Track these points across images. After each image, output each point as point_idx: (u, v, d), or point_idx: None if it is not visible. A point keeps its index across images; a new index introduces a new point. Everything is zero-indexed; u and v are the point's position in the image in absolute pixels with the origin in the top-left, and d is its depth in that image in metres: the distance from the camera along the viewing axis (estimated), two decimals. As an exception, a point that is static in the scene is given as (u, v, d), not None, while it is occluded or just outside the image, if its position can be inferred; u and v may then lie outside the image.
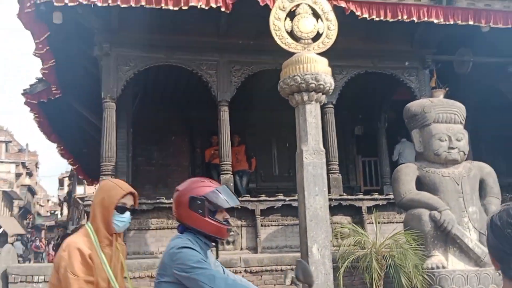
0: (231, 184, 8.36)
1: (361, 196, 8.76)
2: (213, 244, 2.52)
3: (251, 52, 8.80)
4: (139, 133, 10.54)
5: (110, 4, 7.26)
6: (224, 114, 8.55)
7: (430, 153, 6.47)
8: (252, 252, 7.97)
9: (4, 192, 41.38)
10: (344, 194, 8.72)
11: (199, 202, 2.40)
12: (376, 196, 8.70)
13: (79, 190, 37.43)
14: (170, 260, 2.32)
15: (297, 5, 6.43)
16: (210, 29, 8.66)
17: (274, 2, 7.40)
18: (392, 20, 8.25)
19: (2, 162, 44.80)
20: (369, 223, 8.22)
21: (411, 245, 6.04)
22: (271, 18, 6.32)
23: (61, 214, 57.72)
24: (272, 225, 8.17)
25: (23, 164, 49.57)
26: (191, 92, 10.79)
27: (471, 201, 6.23)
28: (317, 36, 6.38)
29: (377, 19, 8.25)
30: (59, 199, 57.79)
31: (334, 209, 8.19)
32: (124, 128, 9.30)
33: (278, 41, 6.34)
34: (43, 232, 53.10)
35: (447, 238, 6.08)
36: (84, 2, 7.09)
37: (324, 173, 6.14)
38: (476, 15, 8.44)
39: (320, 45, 6.44)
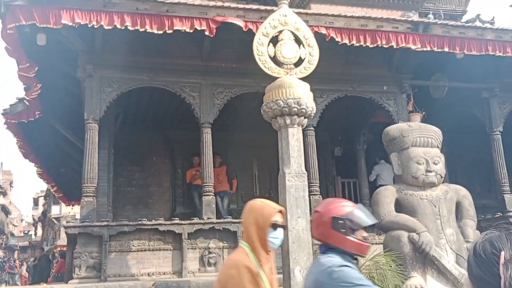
0: (213, 206, 8.41)
1: (341, 218, 8.87)
2: (355, 261, 2.60)
3: (234, 75, 8.95)
4: (120, 153, 10.54)
5: (95, 26, 7.35)
6: (207, 136, 8.63)
7: (408, 176, 6.63)
8: (233, 273, 7.99)
9: (-23, 212, 40.41)
10: (324, 215, 8.82)
11: (341, 221, 2.49)
12: (355, 217, 8.82)
13: (55, 210, 36.85)
14: (330, 278, 2.36)
15: (280, 32, 6.57)
16: (194, 52, 8.80)
17: (257, 28, 7.59)
18: (371, 45, 8.51)
19: (-25, 181, 43.81)
20: (349, 244, 8.33)
21: (391, 267, 6.15)
22: (255, 44, 6.45)
23: (35, 234, 56.51)
24: (253, 247, 8.21)
25: (-3, 183, 48.53)
26: (173, 113, 10.87)
27: (448, 223, 6.40)
28: (299, 62, 6.54)
29: (357, 44, 8.50)
30: (34, 219, 56.65)
31: (315, 231, 8.28)
32: (105, 148, 9.30)
33: (262, 66, 6.46)
34: (16, 252, 51.87)
35: (425, 260, 6.22)
36: (69, 24, 7.16)
37: (306, 195, 6.24)
38: (451, 42, 8.76)
39: (302, 70, 6.59)
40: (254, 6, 8.31)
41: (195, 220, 8.20)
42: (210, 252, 7.97)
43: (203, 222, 8.07)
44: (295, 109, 6.27)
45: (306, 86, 6.45)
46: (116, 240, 7.62)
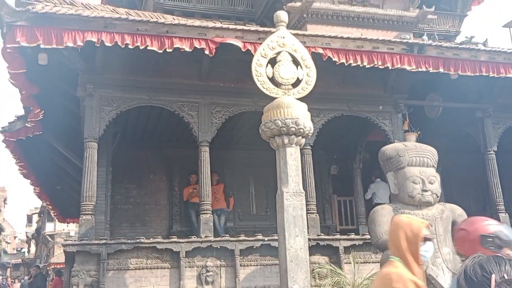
0: (211, 224, 8.46)
1: (338, 236, 8.94)
2: None
3: (232, 94, 9.07)
4: (118, 171, 10.57)
5: (96, 44, 7.45)
6: (205, 155, 8.70)
7: (404, 195, 6.71)
8: (231, 292, 8.01)
9: (-30, 229, 40.09)
10: (321, 234, 8.89)
11: (490, 239, 2.56)
12: (352, 236, 8.89)
13: (49, 227, 36.60)
14: None
15: (278, 53, 6.70)
16: (192, 72, 8.92)
17: (255, 48, 7.73)
18: (368, 66, 8.66)
19: (-31, 197, 43.52)
20: (346, 263, 8.38)
21: (388, 285, 6.19)
22: (253, 65, 6.57)
23: (28, 251, 56.02)
24: (251, 265, 8.24)
25: (-10, 200, 48.23)
26: (170, 131, 10.95)
27: (445, 242, 6.46)
28: (297, 82, 6.66)
29: (354, 64, 8.65)
30: (27, 236, 56.20)
31: (312, 249, 8.31)
32: (103, 166, 9.34)
33: (260, 86, 6.57)
34: (8, 270, 51.34)
35: (422, 279, 6.27)
36: (71, 45, 7.27)
37: (304, 214, 6.31)
38: (446, 64, 8.92)
39: (299, 90, 6.70)
40: (253, 28, 8.47)
41: (193, 238, 8.23)
42: (207, 271, 7.99)
43: (201, 241, 8.10)
44: (293, 129, 6.37)
45: (303, 106, 6.57)
46: (114, 258, 7.63)
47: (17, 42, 7.04)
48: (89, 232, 7.65)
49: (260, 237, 8.45)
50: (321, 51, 8.33)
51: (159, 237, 8.54)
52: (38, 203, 36.73)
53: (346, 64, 8.64)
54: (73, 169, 11.79)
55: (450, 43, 9.95)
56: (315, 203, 9.04)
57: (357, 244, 8.69)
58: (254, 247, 8.31)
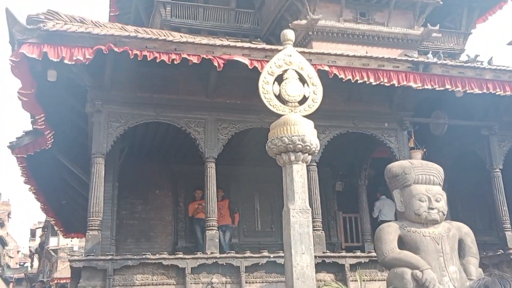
0: (216, 240, 8.46)
1: (344, 254, 8.92)
2: None
3: (238, 111, 9.14)
4: (124, 186, 10.61)
5: (104, 51, 7.51)
6: (211, 171, 8.74)
7: (411, 213, 6.71)
8: (236, 309, 7.99)
9: (-26, 243, 40.09)
10: (327, 251, 8.87)
11: None
12: (358, 253, 8.87)
13: (53, 241, 36.54)
14: None
15: (285, 71, 6.77)
16: (199, 88, 9.01)
17: (262, 65, 7.82)
18: (374, 83, 8.73)
19: (-27, 212, 43.61)
20: (352, 280, 8.35)
21: (395, 304, 6.17)
22: (260, 82, 6.63)
23: (31, 266, 55.84)
24: (256, 282, 8.22)
25: (-5, 214, 48.29)
26: (177, 147, 11.01)
27: (451, 261, 6.44)
28: (303, 100, 6.71)
29: (360, 81, 8.72)
30: (30, 251, 56.08)
31: (318, 266, 8.28)
32: (110, 182, 9.39)
33: (267, 104, 6.62)
34: (11, 285, 51.15)
35: (428, 297, 6.24)
36: (80, 58, 7.35)
37: (310, 231, 6.31)
38: (451, 82, 8.98)
39: (306, 108, 6.75)
40: (259, 46, 8.57)
41: (199, 254, 8.23)
42: (213, 287, 7.97)
43: (207, 257, 8.10)
44: (300, 146, 6.40)
45: (310, 123, 6.61)
46: (120, 274, 7.64)
47: (26, 56, 7.14)
48: (95, 248, 7.67)
49: (265, 253, 8.44)
50: (327, 68, 8.40)
51: (164, 253, 8.55)
52: (42, 217, 36.81)
53: (352, 81, 8.71)
54: (79, 184, 11.84)
55: (455, 61, 10.01)
56: (320, 220, 9.04)
57: (363, 261, 8.67)
58: (260, 264, 8.30)
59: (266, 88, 6.69)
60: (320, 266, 8.42)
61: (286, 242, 6.33)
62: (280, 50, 6.87)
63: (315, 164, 9.23)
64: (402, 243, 6.66)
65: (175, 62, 7.86)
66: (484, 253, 9.79)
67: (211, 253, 8.19)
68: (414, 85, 8.95)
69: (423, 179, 6.86)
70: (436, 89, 8.98)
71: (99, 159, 8.19)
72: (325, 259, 8.51)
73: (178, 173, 11.68)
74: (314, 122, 6.63)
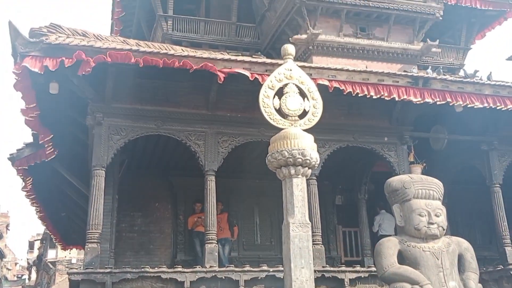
0: (215, 254, 8.43)
1: (343, 268, 8.89)
2: None
3: (239, 124, 9.18)
4: (123, 199, 10.61)
5: (107, 60, 7.53)
6: (211, 184, 8.75)
7: (411, 227, 6.69)
8: (235, 323, 7.94)
9: (-29, 255, 39.91)
10: (327, 265, 8.84)
11: None
12: (358, 268, 8.84)
13: (51, 254, 36.36)
14: None
15: (285, 85, 6.80)
16: (200, 101, 9.06)
17: (262, 78, 7.87)
18: (375, 97, 8.78)
19: (-28, 223, 43.46)
20: (351, 295, 8.32)
21: (394, 319, 6.12)
22: (261, 96, 6.65)
23: (29, 278, 55.52)
24: (255, 296, 8.19)
25: (-7, 225, 48.12)
26: (177, 159, 11.03)
27: (451, 276, 6.41)
28: (304, 114, 6.74)
29: (361, 94, 8.76)
30: (28, 263, 55.80)
31: (317, 281, 8.24)
32: (110, 194, 9.39)
33: (267, 117, 6.64)
34: (8, 297, 50.79)
35: (428, 313, 6.20)
36: (83, 69, 7.41)
37: (310, 245, 6.29)
38: (451, 97, 9.03)
39: (306, 122, 6.77)
40: (260, 60, 8.63)
41: (198, 268, 8.20)
42: (211, 302, 7.94)
43: (206, 271, 8.07)
44: (300, 159, 6.41)
45: (310, 137, 6.63)
46: (119, 288, 7.61)
47: (23, 66, 7.17)
48: (94, 261, 7.65)
49: (265, 268, 8.41)
50: (327, 82, 8.46)
51: (163, 266, 8.52)
52: (41, 229, 36.69)
53: (353, 94, 8.75)
54: (78, 196, 11.84)
55: (454, 77, 10.08)
56: (320, 234, 9.03)
57: (362, 276, 8.63)
58: (259, 278, 8.27)
59: (267, 102, 6.71)
60: (320, 280, 8.39)
61: (285, 256, 6.31)
62: (281, 64, 6.91)
63: (315, 178, 9.25)
64: (402, 258, 6.64)
65: (176, 66, 7.84)
66: (484, 269, 9.76)
67: (210, 266, 8.17)
68: (414, 100, 9.01)
69: (423, 193, 6.85)
70: (437, 103, 9.02)
71: (99, 172, 8.20)
72: (324, 273, 8.48)
73: (177, 186, 11.68)
74: (314, 136, 6.65)
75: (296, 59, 11.16)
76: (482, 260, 10.42)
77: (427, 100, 9.00)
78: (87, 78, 7.75)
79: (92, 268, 7.56)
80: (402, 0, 12.08)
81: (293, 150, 6.39)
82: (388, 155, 9.92)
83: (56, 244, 24.76)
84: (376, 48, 12.01)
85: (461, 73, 13.80)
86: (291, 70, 6.83)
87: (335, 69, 8.75)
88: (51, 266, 35.60)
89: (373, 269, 7.70)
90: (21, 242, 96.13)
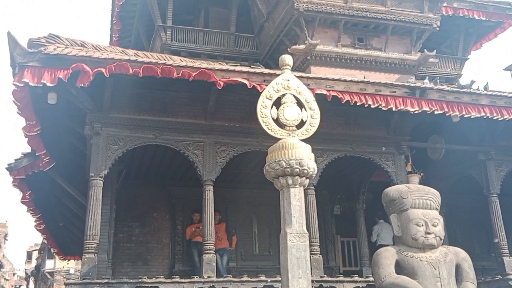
0: (213, 264, 8.41)
1: (341, 278, 8.86)
2: None
3: (237, 134, 9.19)
4: (121, 209, 10.60)
5: (106, 75, 7.57)
6: (209, 194, 8.75)
7: (408, 237, 6.70)
8: (232, 334, 7.90)
9: (-31, 265, 39.71)
10: (325, 275, 8.82)
11: None
12: (356, 278, 8.82)
13: (49, 264, 36.17)
14: None
15: (283, 95, 6.82)
16: (198, 111, 9.08)
17: (261, 87, 7.90)
18: (373, 106, 8.81)
19: (-31, 233, 43.30)
20: (350, 305, 8.29)
21: (392, 330, 6.11)
22: (259, 106, 6.67)
23: (27, 289, 55.18)
24: (253, 306, 8.16)
25: (-9, 235, 47.93)
26: (175, 169, 11.03)
27: (448, 286, 6.41)
28: (301, 124, 6.77)
29: (359, 103, 8.78)
30: (26, 273, 55.47)
31: (315, 291, 8.25)
32: (107, 204, 9.36)
33: (265, 128, 6.66)
34: (6, 308, 50.45)
35: (426, 323, 6.19)
36: (81, 81, 7.44)
37: (307, 255, 6.28)
38: (447, 107, 9.08)
39: (304, 132, 6.79)
40: (258, 70, 8.68)
41: (196, 278, 8.18)
42: (209, 312, 7.90)
43: (203, 281, 8.05)
44: (297, 169, 6.42)
45: (307, 147, 6.64)
46: (115, 298, 7.57)
47: (26, 82, 7.21)
48: (91, 271, 7.62)
49: (263, 278, 8.38)
50: (325, 92, 8.49)
51: (161, 276, 8.50)
52: (39, 239, 36.56)
53: (351, 103, 8.78)
54: (76, 206, 11.82)
55: (451, 87, 10.12)
56: (318, 244, 9.01)
57: (360, 286, 8.62)
58: (257, 288, 8.25)
59: (264, 112, 6.74)
60: (318, 290, 8.37)
61: (283, 266, 6.30)
62: (279, 75, 6.95)
63: (313, 187, 9.25)
64: (400, 268, 6.64)
65: (174, 76, 7.87)
66: (483, 279, 9.74)
67: (208, 277, 8.14)
68: (411, 109, 9.04)
69: (420, 203, 6.87)
70: (434, 113, 9.05)
71: (97, 182, 8.20)
72: (322, 283, 8.45)
73: (176, 196, 11.67)
74: (312, 146, 6.66)
75: (294, 69, 11.24)
76: (481, 270, 10.41)
77: (424, 109, 9.03)
78: (86, 89, 7.77)
79: (89, 279, 7.52)
80: (399, 11, 12.18)
81: (291, 160, 6.40)
82: (386, 164, 9.93)
83: (54, 254, 24.67)
84: (374, 58, 12.09)
85: (460, 82, 13.86)
86: (288, 80, 6.86)
87: (333, 79, 8.79)
88: (49, 276, 35.43)
89: (371, 279, 7.67)
90: (19, 252, 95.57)
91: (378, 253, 6.84)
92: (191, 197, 10.86)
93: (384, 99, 8.94)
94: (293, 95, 6.84)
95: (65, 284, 8.04)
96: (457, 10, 14.13)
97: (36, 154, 9.86)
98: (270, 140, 6.67)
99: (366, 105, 8.80)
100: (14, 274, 65.00)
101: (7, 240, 56.25)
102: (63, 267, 33.62)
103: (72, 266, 31.92)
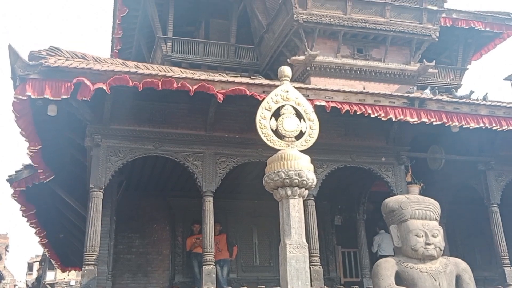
0: (213, 275, 8.39)
1: (342, 289, 8.84)
2: None
3: (236, 145, 9.21)
4: (121, 220, 10.59)
5: (107, 92, 7.62)
6: (209, 205, 8.74)
7: (408, 248, 6.69)
8: None
9: (-30, 276, 39.60)
10: (325, 286, 8.78)
11: None
12: (356, 289, 8.78)
13: (50, 275, 36.12)
14: None
15: (282, 106, 6.86)
16: (197, 123, 9.10)
17: (260, 97, 7.94)
18: (372, 115, 8.83)
19: (-30, 244, 43.23)
20: (350, 317, 8.25)
21: None
22: (258, 118, 6.70)
23: (28, 301, 54.91)
24: (253, 318, 8.12)
25: (-8, 247, 47.84)
26: (175, 180, 11.03)
27: (449, 297, 6.39)
28: (300, 135, 6.79)
29: (359, 112, 8.80)
30: (27, 285, 55.23)
31: (316, 302, 8.22)
32: (107, 216, 9.35)
33: (264, 139, 6.68)
34: (6, 320, 50.21)
35: (427, 334, 6.16)
36: (80, 97, 7.48)
37: (307, 266, 6.28)
38: (447, 117, 9.09)
39: (303, 143, 6.81)
40: (257, 81, 8.72)
41: (195, 290, 8.16)
42: (209, 324, 7.87)
43: (203, 292, 8.02)
44: (296, 180, 6.43)
45: (307, 158, 6.66)
46: (115, 311, 7.55)
47: (27, 95, 7.25)
48: (91, 283, 7.60)
49: (262, 289, 8.36)
50: (324, 103, 8.52)
51: (161, 288, 8.48)
52: (40, 250, 36.47)
53: (351, 113, 8.80)
54: (77, 217, 11.82)
55: (450, 97, 10.15)
56: (318, 255, 8.98)
57: (361, 297, 8.58)
58: (257, 299, 8.22)
59: (263, 123, 6.76)
60: (318, 302, 8.34)
61: (282, 277, 6.29)
62: (278, 86, 6.99)
63: (312, 198, 9.25)
64: (400, 279, 6.61)
65: (174, 87, 7.91)
66: (484, 289, 9.70)
67: (208, 288, 8.12)
68: (410, 120, 9.05)
69: (420, 214, 6.87)
70: (433, 123, 9.07)
71: (97, 193, 8.20)
72: (323, 295, 8.43)
73: (176, 207, 11.66)
74: (311, 156, 6.67)
75: (294, 80, 11.30)
76: (482, 281, 10.37)
77: (423, 120, 9.04)
78: (86, 101, 7.78)
79: (88, 291, 7.51)
80: (398, 22, 12.25)
81: (290, 171, 6.42)
82: (386, 175, 9.93)
83: (55, 266, 24.62)
84: (374, 69, 12.13)
85: (460, 93, 13.88)
86: (287, 91, 6.90)
87: (332, 90, 8.82)
88: (49, 288, 35.31)
89: (372, 290, 7.65)
90: (20, 264, 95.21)
91: (378, 264, 6.82)
92: (191, 208, 10.85)
93: (384, 109, 8.97)
94: (292, 106, 6.87)
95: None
96: (456, 21, 14.20)
97: (39, 171, 9.91)
98: (270, 151, 6.68)
99: (366, 114, 8.82)
100: (15, 285, 64.70)
101: (8, 251, 56.09)
102: (64, 278, 33.56)
103: (73, 277, 31.84)
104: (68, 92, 7.40)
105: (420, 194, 9.52)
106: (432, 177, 10.87)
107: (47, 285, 35.93)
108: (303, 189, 6.55)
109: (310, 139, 6.85)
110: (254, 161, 9.20)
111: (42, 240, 15.60)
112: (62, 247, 16.41)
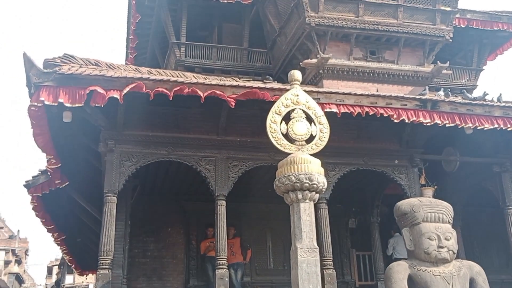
0: (226, 279, 8.43)
1: (355, 293, 8.81)
2: None
3: (248, 149, 9.25)
4: (136, 224, 10.70)
5: (120, 101, 7.74)
6: (221, 208, 8.79)
7: (420, 251, 6.64)
8: None
9: (-9, 280, 40.24)
10: (338, 290, 8.77)
11: None
12: (370, 293, 8.74)
13: (69, 279, 36.55)
14: None
15: (292, 110, 6.88)
16: (210, 127, 9.17)
17: (269, 96, 7.96)
18: (385, 115, 8.79)
19: (-9, 249, 43.97)
20: (364, 320, 8.22)
21: None
22: (268, 121, 6.74)
23: (47, 304, 55.58)
24: (267, 322, 8.14)
25: (13, 251, 48.57)
26: (188, 184, 11.11)
27: (463, 301, 6.32)
28: (311, 138, 6.80)
29: (371, 113, 8.76)
30: (46, 288, 55.99)
31: (329, 306, 8.21)
32: (122, 220, 9.48)
33: (274, 143, 6.71)
34: (26, 323, 50.90)
35: (440, 338, 6.10)
36: (94, 104, 7.61)
37: (318, 270, 6.28)
38: (460, 119, 9.02)
39: (313, 146, 6.82)
40: (268, 85, 8.74)
41: (209, 293, 8.20)
42: (223, 327, 7.90)
43: (217, 296, 8.07)
44: (307, 184, 6.44)
45: (317, 162, 6.67)
46: (129, 314, 7.63)
47: (41, 101, 7.39)
48: (106, 287, 7.70)
49: (276, 293, 8.37)
50: (335, 109, 8.52)
51: (175, 292, 8.54)
52: (59, 254, 36.92)
53: (363, 115, 8.77)
54: (93, 222, 11.96)
55: (463, 99, 10.04)
56: (331, 259, 8.96)
57: (375, 301, 8.54)
58: (271, 303, 8.23)
59: (274, 127, 6.79)
60: (332, 305, 8.32)
61: (293, 281, 6.30)
62: (288, 90, 7.01)
63: (325, 201, 9.24)
64: (412, 283, 6.57)
65: (185, 93, 7.99)
66: (500, 293, 9.57)
67: (221, 292, 8.16)
68: (424, 121, 8.99)
69: (432, 217, 6.81)
70: (446, 125, 9.00)
71: (111, 198, 8.31)
72: (336, 298, 8.40)
73: (190, 211, 11.74)
74: (323, 159, 6.68)
75: (307, 83, 11.31)
76: (499, 284, 10.24)
77: (436, 122, 8.98)
78: (100, 107, 7.91)
79: (104, 294, 7.61)
80: (411, 23, 12.16)
81: (300, 174, 6.43)
82: (399, 177, 9.87)
83: (73, 269, 24.89)
84: (387, 71, 12.05)
85: (474, 94, 13.73)
86: (298, 95, 6.92)
87: (343, 93, 8.81)
88: (68, 291, 35.69)
89: (385, 293, 7.60)
90: (40, 268, 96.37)
91: (391, 268, 6.78)
92: (205, 212, 10.90)
93: (396, 111, 8.93)
94: (302, 110, 6.89)
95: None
96: (471, 21, 14.05)
97: (56, 182, 10.10)
98: (282, 155, 6.70)
99: (378, 115, 8.79)
100: (35, 289, 65.56)
101: (27, 255, 56.87)
102: (82, 282, 33.92)
103: (91, 281, 32.14)
104: (82, 100, 7.54)
105: (434, 196, 9.45)
106: (446, 180, 10.77)
107: (66, 289, 36.34)
108: (314, 192, 6.55)
109: (320, 142, 6.85)
110: (266, 164, 9.23)
111: (60, 245, 15.82)
112: (80, 251, 16.60)
